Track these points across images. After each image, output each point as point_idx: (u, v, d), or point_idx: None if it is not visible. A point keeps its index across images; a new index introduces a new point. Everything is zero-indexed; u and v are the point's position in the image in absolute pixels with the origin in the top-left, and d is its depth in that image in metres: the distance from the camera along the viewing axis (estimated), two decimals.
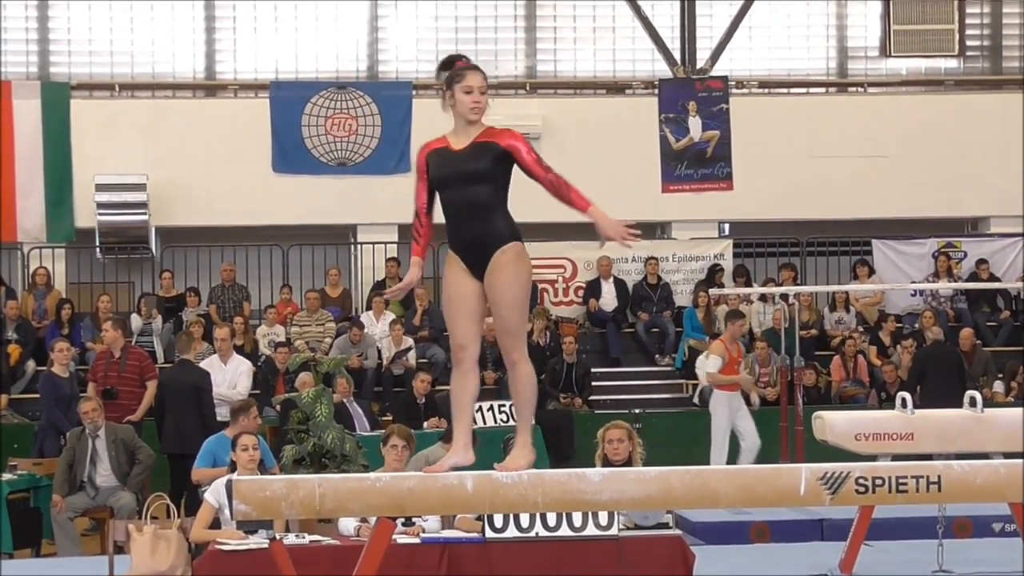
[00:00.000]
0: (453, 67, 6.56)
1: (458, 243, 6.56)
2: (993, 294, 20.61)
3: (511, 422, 16.47)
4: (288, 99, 20.38)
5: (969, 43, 22.06)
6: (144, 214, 20.15)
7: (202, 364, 14.78)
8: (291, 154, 20.25)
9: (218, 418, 13.97)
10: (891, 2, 21.87)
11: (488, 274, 6.53)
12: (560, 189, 6.46)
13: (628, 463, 9.49)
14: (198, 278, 20.19)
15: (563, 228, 20.72)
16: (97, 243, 20.21)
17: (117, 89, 21.17)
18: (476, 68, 6.56)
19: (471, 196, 6.52)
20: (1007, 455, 9.15)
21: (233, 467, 10.47)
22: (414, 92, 20.64)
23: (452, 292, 6.61)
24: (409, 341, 18.80)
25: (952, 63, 22.24)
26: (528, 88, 21.61)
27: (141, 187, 20.13)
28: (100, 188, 19.97)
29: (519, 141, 6.55)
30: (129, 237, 20.31)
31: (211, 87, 21.62)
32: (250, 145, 20.21)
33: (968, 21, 22.00)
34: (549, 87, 21.77)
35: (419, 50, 21.50)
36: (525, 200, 21.93)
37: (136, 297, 19.89)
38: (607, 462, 9.62)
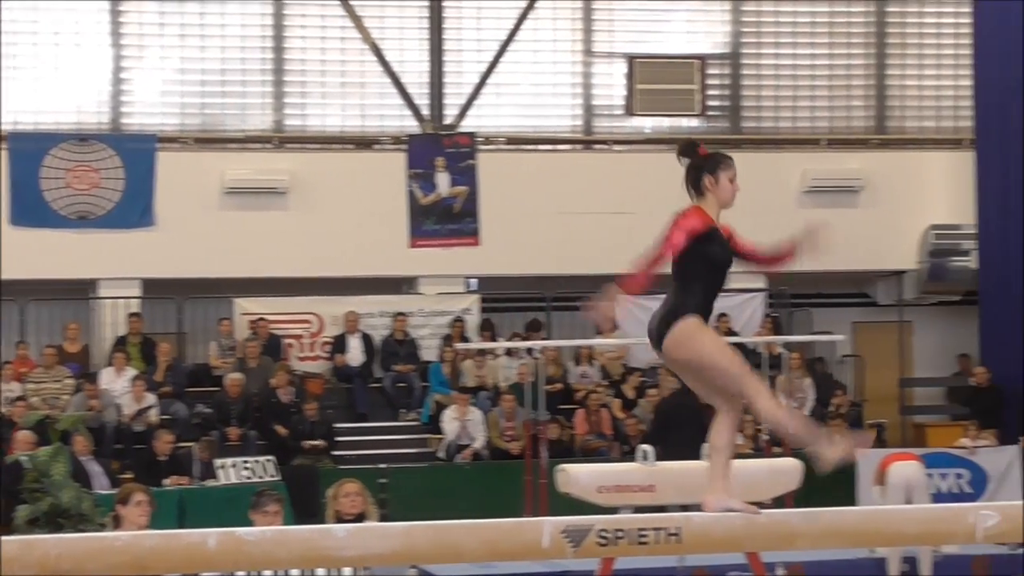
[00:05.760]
0: (699, 152, 6.67)
1: (709, 315, 6.59)
2: None
3: (254, 479, 16.33)
4: (26, 151, 19.96)
5: (710, 103, 22.59)
6: None
7: None
8: (29, 207, 19.83)
9: None
10: (635, 63, 22.29)
11: None
12: (770, 262, 6.78)
13: (362, 517, 9.44)
14: None
15: (309, 283, 20.69)
16: None
17: None
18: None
19: (726, 279, 6.66)
20: None
21: None
22: (158, 145, 20.40)
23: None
24: (151, 398, 18.48)
25: (694, 122, 22.74)
26: (276, 143, 21.47)
27: None
28: None
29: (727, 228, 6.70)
30: None
31: None
32: None
33: (708, 82, 22.54)
34: (297, 142, 21.66)
35: (164, 102, 21.20)
36: (271, 253, 21.58)
37: None
38: (340, 519, 9.54)
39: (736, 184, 6.63)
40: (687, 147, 6.73)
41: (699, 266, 6.53)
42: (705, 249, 6.53)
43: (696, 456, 11.66)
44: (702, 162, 6.65)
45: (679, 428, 17.01)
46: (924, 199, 21.93)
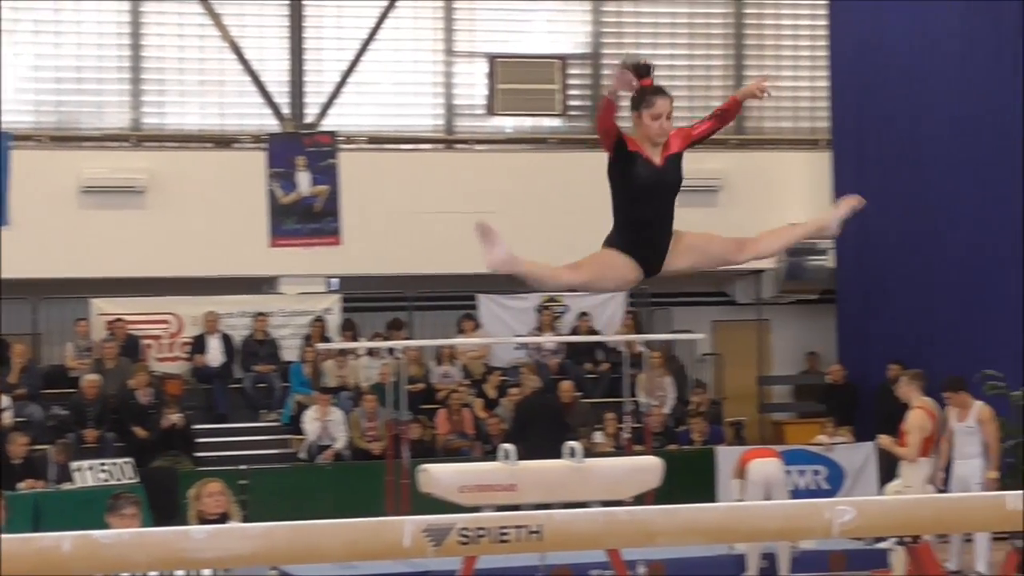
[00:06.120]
0: (639, 84, 6.72)
1: (638, 246, 6.78)
2: (593, 347, 21.18)
3: (112, 481, 16.12)
4: None
5: (571, 103, 22.69)
6: None
7: None
8: None
9: None
10: (496, 62, 22.33)
11: (676, 250, 6.80)
12: (723, 118, 6.93)
13: (225, 517, 9.36)
14: None
15: (168, 283, 20.47)
16: None
17: None
18: (663, 92, 6.75)
19: (664, 209, 6.77)
20: (605, 503, 9.39)
21: None
22: (12, 143, 20.04)
23: (619, 265, 6.79)
24: (5, 400, 18.16)
25: (555, 122, 22.83)
26: (133, 141, 21.22)
27: None
28: None
29: (684, 135, 6.82)
30: None
31: None
32: None
33: (569, 82, 22.63)
34: (155, 140, 21.42)
35: (18, 100, 20.81)
36: (128, 253, 21.19)
37: None
38: (203, 519, 9.45)
39: (663, 121, 6.74)
40: (638, 69, 6.84)
41: (615, 192, 6.83)
42: (618, 170, 6.82)
43: (556, 454, 11.70)
44: (632, 100, 6.82)
45: (538, 427, 17.08)
46: (782, 199, 22.17)
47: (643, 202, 6.75)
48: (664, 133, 6.74)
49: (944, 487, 13.95)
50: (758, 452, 15.77)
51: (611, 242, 6.82)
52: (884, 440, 14.56)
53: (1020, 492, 6.99)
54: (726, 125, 7.05)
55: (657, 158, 6.75)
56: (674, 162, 6.77)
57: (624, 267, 6.79)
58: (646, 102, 6.74)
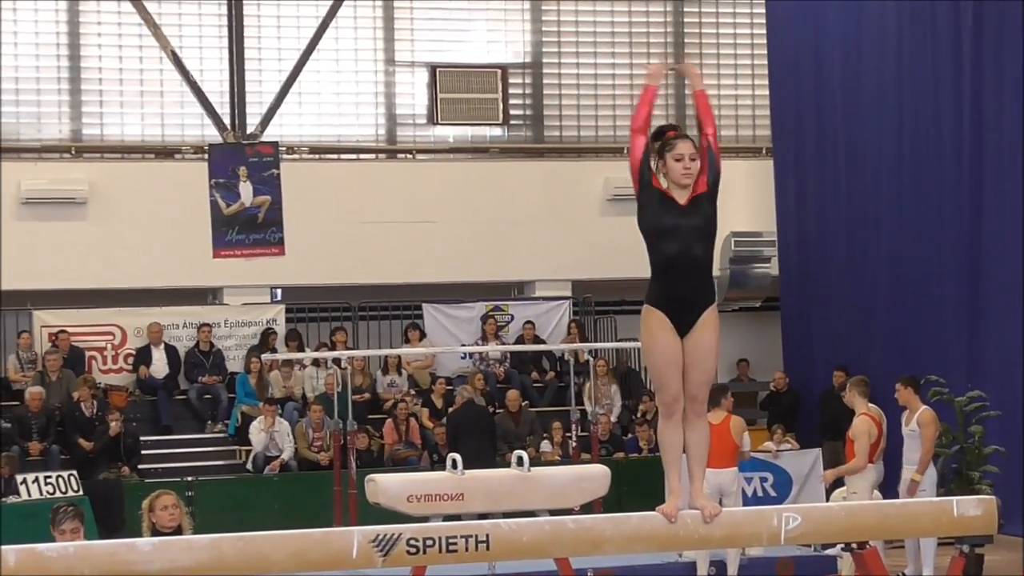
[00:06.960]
0: (663, 137, 6.90)
1: (666, 298, 6.77)
2: (539, 356, 21.19)
3: (57, 494, 16.00)
4: None
5: (512, 112, 22.71)
6: None
7: None
8: None
9: None
10: (437, 71, 22.32)
11: (696, 330, 6.76)
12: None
13: (180, 530, 9.31)
14: None
15: (111, 294, 20.35)
16: None
17: None
18: (685, 136, 6.89)
19: (690, 252, 6.75)
20: (553, 512, 9.39)
21: None
22: None
23: (663, 346, 6.79)
24: None
25: (497, 131, 22.84)
26: (73, 152, 21.10)
27: None
28: None
29: (703, 171, 6.92)
30: None
31: None
32: None
33: (511, 91, 22.65)
34: (95, 151, 21.30)
35: None
36: (71, 265, 21.03)
37: None
38: (157, 531, 9.39)
39: (684, 162, 6.84)
40: (657, 132, 7.00)
41: (644, 235, 6.81)
42: (641, 203, 6.83)
43: (489, 463, 11.70)
44: (656, 150, 6.94)
45: (469, 437, 17.07)
46: (725, 206, 22.13)
47: (667, 240, 6.77)
48: (689, 174, 6.84)
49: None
50: (712, 461, 15.71)
51: (648, 300, 6.86)
52: (828, 475, 14.38)
53: (964, 498, 7.04)
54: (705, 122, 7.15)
55: (682, 197, 6.83)
56: (699, 202, 6.86)
57: (669, 332, 6.79)
58: (669, 146, 6.90)
